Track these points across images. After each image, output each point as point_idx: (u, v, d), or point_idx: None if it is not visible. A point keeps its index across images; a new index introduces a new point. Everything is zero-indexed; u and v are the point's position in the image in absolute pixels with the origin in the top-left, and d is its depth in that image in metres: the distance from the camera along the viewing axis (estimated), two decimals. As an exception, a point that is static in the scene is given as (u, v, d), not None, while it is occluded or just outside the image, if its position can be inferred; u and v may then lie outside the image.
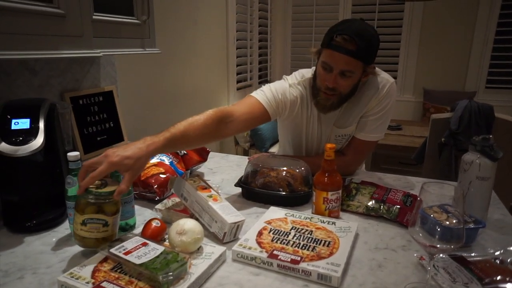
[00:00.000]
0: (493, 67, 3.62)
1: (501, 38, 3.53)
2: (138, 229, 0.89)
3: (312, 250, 0.77)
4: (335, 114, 1.23)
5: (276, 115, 1.21)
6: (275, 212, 0.95)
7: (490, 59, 3.62)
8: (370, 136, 1.23)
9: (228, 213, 0.85)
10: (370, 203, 1.00)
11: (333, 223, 0.89)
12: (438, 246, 0.63)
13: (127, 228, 0.89)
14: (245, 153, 3.07)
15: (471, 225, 0.86)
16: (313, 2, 4.02)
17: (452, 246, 0.63)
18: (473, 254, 0.80)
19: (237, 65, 3.20)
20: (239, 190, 1.14)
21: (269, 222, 0.90)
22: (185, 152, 1.20)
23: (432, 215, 0.79)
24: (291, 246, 0.79)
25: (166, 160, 1.14)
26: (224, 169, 1.36)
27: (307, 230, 0.86)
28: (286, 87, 1.22)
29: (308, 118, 1.26)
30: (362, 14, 3.86)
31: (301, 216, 0.93)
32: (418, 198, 0.67)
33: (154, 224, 0.79)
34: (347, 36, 1.04)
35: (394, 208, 0.96)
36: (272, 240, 0.81)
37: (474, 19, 3.57)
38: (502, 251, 0.82)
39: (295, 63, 4.30)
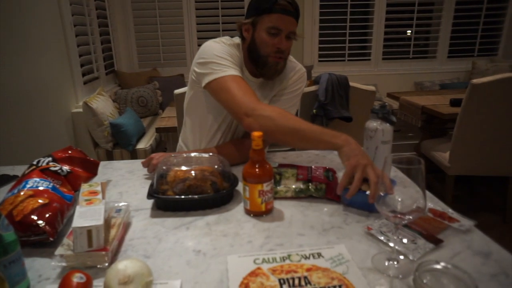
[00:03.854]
0: (322, 43, 4.20)
1: (324, 18, 4.10)
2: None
3: None
4: (254, 88, 1.18)
5: None
6: (241, 263, 0.69)
7: (319, 36, 4.18)
8: None
9: (86, 217, 0.71)
10: (297, 186, 0.98)
11: (319, 254, 0.71)
12: (405, 217, 0.65)
13: (19, 296, 0.63)
14: (109, 155, 2.69)
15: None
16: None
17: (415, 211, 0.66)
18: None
19: (80, 55, 2.73)
20: (149, 202, 0.96)
21: (246, 285, 0.63)
22: (68, 170, 0.93)
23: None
24: None
25: (45, 185, 0.85)
26: (116, 180, 1.12)
27: (300, 278, 0.64)
28: (227, 48, 1.15)
29: None
30: (206, 3, 3.84)
31: (275, 257, 0.71)
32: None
33: (77, 280, 0.56)
34: None
35: (322, 185, 0.97)
36: None
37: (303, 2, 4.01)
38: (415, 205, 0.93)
39: (142, 49, 3.98)
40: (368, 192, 0.85)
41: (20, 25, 2.02)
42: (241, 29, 1.17)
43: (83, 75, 2.81)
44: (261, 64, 1.16)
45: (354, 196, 0.86)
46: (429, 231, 0.79)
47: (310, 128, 0.98)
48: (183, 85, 1.80)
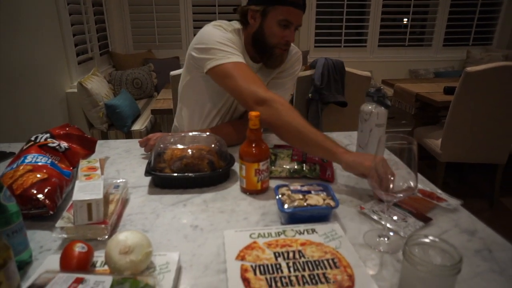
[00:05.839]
0: (318, 28, 4.17)
1: (321, 3, 4.07)
2: (37, 262, 0.66)
3: (327, 282, 0.59)
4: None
5: None
6: (237, 238, 0.71)
7: (315, 21, 4.16)
8: None
9: (85, 191, 0.72)
10: (291, 166, 1.00)
11: (313, 230, 0.73)
12: (397, 195, 0.68)
13: (21, 266, 0.64)
14: (104, 136, 2.69)
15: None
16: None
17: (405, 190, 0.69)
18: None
19: (74, 35, 2.69)
20: (147, 180, 0.97)
21: (242, 257, 0.65)
22: (66, 146, 0.93)
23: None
24: (298, 285, 0.59)
25: (43, 160, 0.86)
26: (113, 158, 1.14)
27: (294, 251, 0.66)
28: (228, 35, 1.14)
29: None
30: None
31: (271, 232, 0.72)
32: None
33: (78, 249, 0.58)
34: None
35: (316, 166, 0.99)
36: (270, 287, 0.59)
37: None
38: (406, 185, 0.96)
39: (136, 30, 3.93)
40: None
41: (12, 3, 1.98)
42: (245, 14, 1.15)
43: (77, 55, 2.78)
44: (267, 54, 1.16)
45: (298, 214, 0.77)
46: (419, 210, 0.82)
47: (313, 132, 0.95)
48: (179, 67, 1.80)
